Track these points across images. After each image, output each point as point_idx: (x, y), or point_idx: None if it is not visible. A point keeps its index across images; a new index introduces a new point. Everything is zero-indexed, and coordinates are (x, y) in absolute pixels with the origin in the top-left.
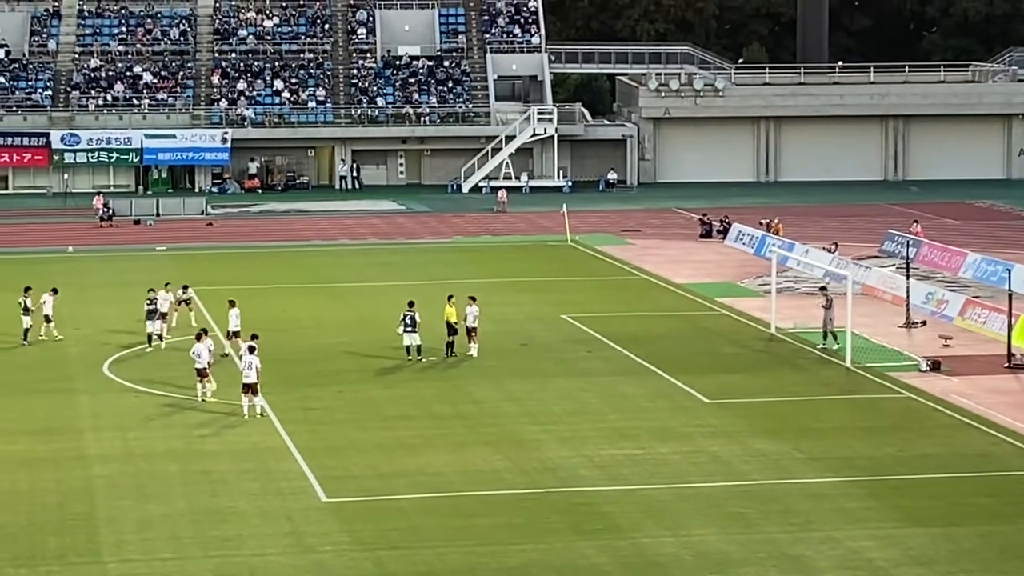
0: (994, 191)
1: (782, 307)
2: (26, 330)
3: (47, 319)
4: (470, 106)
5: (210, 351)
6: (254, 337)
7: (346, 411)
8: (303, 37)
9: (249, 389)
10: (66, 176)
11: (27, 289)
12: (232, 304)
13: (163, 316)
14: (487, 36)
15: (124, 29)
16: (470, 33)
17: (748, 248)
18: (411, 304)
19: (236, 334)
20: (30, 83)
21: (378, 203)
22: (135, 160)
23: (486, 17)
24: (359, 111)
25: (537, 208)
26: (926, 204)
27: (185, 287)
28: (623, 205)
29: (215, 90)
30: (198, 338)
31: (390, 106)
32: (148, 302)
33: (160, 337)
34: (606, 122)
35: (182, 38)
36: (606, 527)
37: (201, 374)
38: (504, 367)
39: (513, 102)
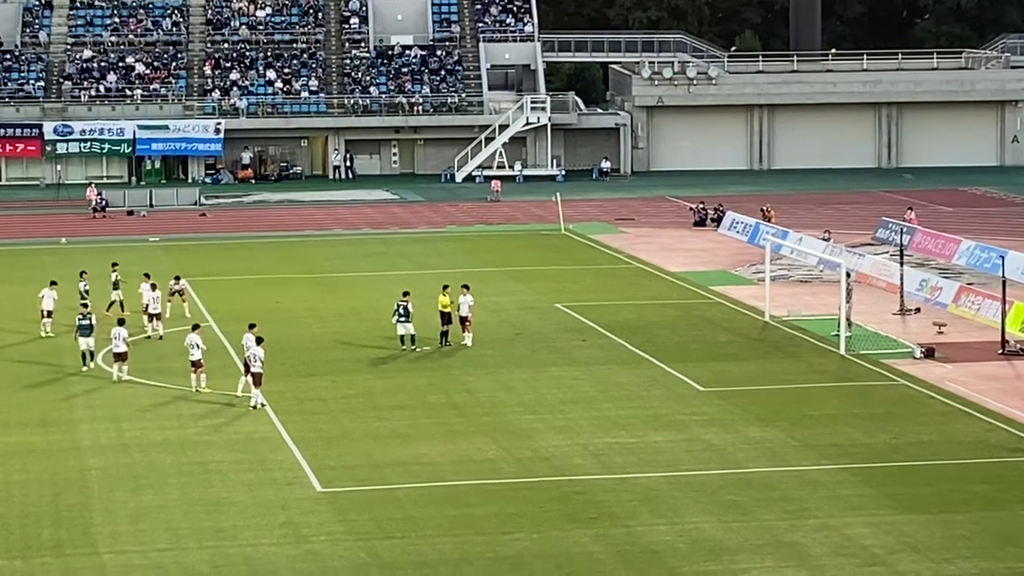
0: (987, 178)
1: (776, 295)
2: (112, 303)
3: (47, 315)
4: (463, 95)
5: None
6: (251, 327)
7: (340, 401)
8: (296, 27)
9: (256, 380)
10: (59, 167)
11: (83, 273)
12: (147, 276)
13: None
14: (480, 25)
15: (116, 19)
16: (463, 22)
17: (742, 236)
18: (406, 294)
19: (157, 316)
20: (22, 74)
21: (372, 193)
22: (128, 151)
23: (479, 6)
24: (352, 101)
25: (531, 197)
26: (920, 191)
27: (177, 278)
28: (616, 194)
29: (208, 80)
30: (193, 329)
31: (383, 96)
32: (80, 316)
33: (92, 355)
34: (599, 111)
35: (175, 28)
36: (601, 516)
37: (195, 365)
38: (498, 356)
39: (506, 91)
